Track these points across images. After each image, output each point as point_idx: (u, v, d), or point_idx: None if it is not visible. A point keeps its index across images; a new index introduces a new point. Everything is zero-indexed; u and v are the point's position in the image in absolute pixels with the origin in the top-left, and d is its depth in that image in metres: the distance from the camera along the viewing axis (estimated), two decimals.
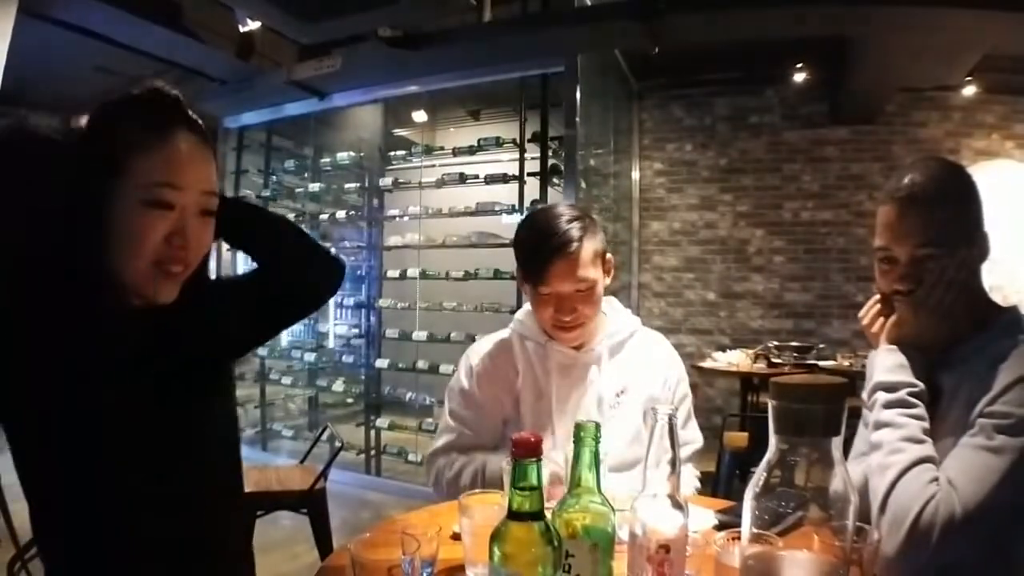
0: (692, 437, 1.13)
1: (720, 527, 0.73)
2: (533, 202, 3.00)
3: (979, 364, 0.74)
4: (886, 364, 0.79)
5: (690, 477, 1.10)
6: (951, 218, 0.77)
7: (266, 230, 0.77)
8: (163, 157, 0.57)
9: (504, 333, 1.15)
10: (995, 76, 3.40)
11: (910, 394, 0.75)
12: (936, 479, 0.68)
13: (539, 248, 1.01)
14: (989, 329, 0.77)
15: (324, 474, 1.96)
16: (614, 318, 1.14)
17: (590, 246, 1.02)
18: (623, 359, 1.12)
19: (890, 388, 0.77)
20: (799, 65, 3.50)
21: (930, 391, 0.77)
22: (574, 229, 1.01)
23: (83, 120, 0.58)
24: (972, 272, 0.79)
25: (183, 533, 0.63)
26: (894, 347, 0.80)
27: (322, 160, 3.82)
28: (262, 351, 3.54)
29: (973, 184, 0.80)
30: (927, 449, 0.72)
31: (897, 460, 0.71)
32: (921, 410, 0.75)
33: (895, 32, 2.68)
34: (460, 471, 1.04)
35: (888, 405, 0.76)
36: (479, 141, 3.27)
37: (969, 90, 3.48)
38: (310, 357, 3.74)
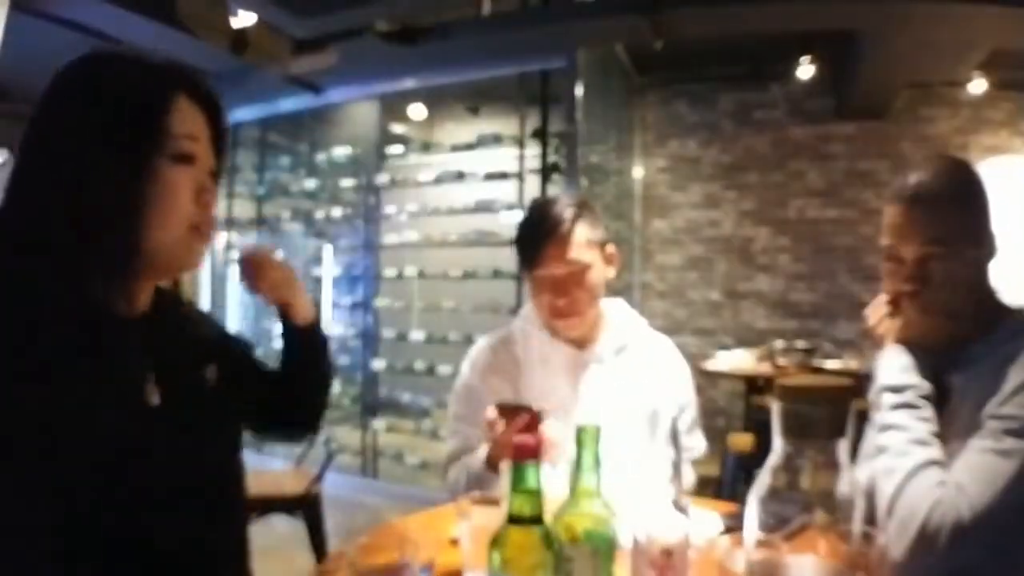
0: (696, 444, 1.13)
1: (728, 532, 0.72)
2: (533, 200, 2.98)
3: (988, 365, 0.73)
4: (892, 366, 0.79)
5: (688, 476, 1.09)
6: (958, 218, 0.76)
7: (317, 368, 0.81)
8: (179, 110, 0.58)
9: (508, 329, 1.16)
10: (1004, 72, 3.38)
11: (917, 396, 0.75)
12: (943, 482, 0.68)
13: (533, 231, 1.05)
14: (998, 330, 0.76)
15: (320, 477, 1.95)
16: (620, 319, 1.14)
17: (583, 230, 1.04)
18: (627, 361, 1.11)
19: (896, 390, 0.76)
20: (805, 60, 3.48)
21: (938, 392, 0.76)
22: (567, 213, 1.04)
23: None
24: (980, 272, 0.78)
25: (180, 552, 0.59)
26: (901, 348, 0.80)
27: (318, 157, 3.80)
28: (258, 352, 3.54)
29: (981, 183, 0.79)
30: (934, 452, 0.71)
31: (904, 463, 0.70)
32: (928, 412, 0.74)
33: (902, 27, 2.66)
34: (459, 481, 1.04)
35: (895, 407, 0.75)
36: (478, 137, 3.25)
37: (978, 86, 3.46)
38: None
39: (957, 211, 0.76)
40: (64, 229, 0.53)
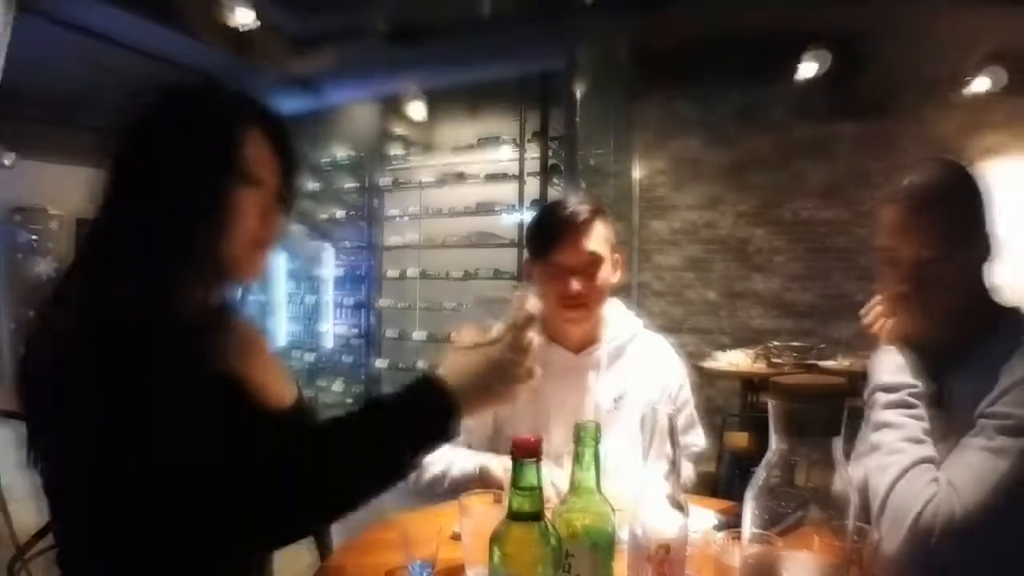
0: (696, 440, 1.14)
1: (721, 527, 0.73)
2: (533, 201, 3.00)
3: (982, 365, 0.73)
4: (886, 365, 0.79)
5: (687, 470, 1.10)
6: (953, 220, 0.76)
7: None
8: (253, 141, 0.65)
9: None
10: (1005, 73, 3.39)
11: (910, 395, 0.75)
12: (936, 479, 0.68)
13: (552, 220, 1.06)
14: (993, 330, 0.76)
15: None
16: (616, 322, 1.14)
17: (600, 226, 1.06)
18: (623, 365, 1.12)
19: (890, 389, 0.77)
20: (805, 60, 3.48)
21: (932, 392, 0.77)
22: (586, 206, 1.06)
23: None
24: (976, 274, 0.78)
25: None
26: (894, 348, 0.80)
27: (319, 158, 3.81)
28: None
29: (978, 184, 0.79)
30: (927, 450, 0.72)
31: (897, 460, 0.71)
32: (921, 411, 0.75)
33: (904, 28, 2.67)
34: (425, 467, 1.01)
35: (888, 406, 0.76)
36: (478, 139, 3.26)
37: (978, 86, 3.47)
38: (309, 357, 3.74)
39: (953, 213, 0.76)
40: (155, 241, 0.60)
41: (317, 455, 0.57)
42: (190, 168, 0.61)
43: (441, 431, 0.61)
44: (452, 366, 0.64)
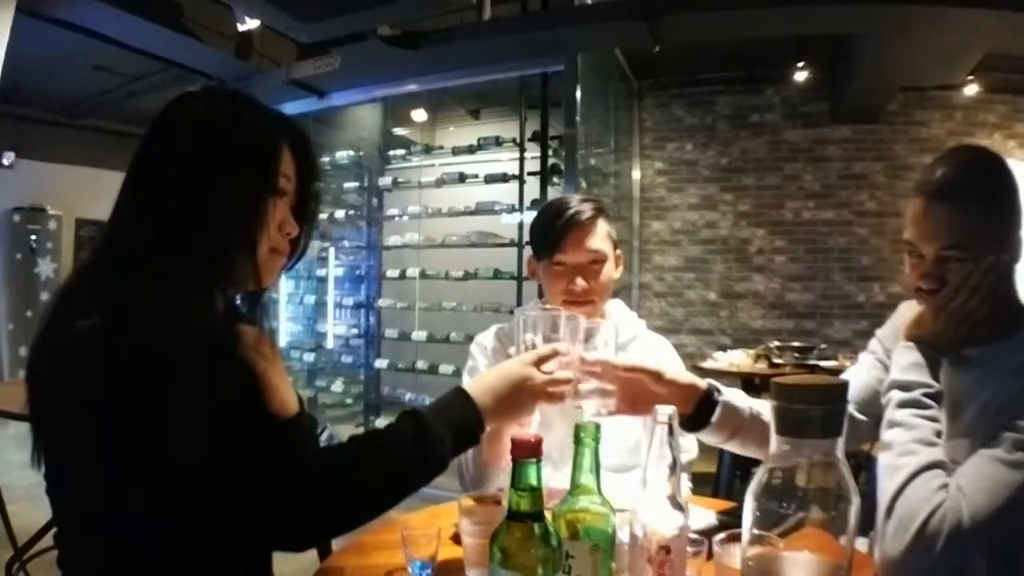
0: (688, 446, 1.13)
1: (721, 528, 0.73)
2: (533, 201, 3.00)
3: (1003, 369, 0.72)
4: (902, 363, 0.76)
5: (684, 487, 1.10)
6: (982, 219, 0.72)
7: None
8: (284, 155, 0.67)
9: (511, 325, 1.16)
10: (997, 75, 3.41)
11: (925, 395, 0.73)
12: (946, 486, 0.67)
13: (554, 221, 1.07)
14: (1016, 333, 0.74)
15: None
16: (619, 320, 1.15)
17: (603, 224, 1.08)
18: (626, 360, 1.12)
19: (905, 387, 0.74)
20: (800, 64, 3.51)
21: (948, 390, 0.75)
22: (589, 205, 1.08)
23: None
24: (1001, 277, 0.74)
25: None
26: (912, 345, 0.77)
27: (321, 159, 3.81)
28: None
29: (1012, 180, 0.74)
30: (938, 453, 0.70)
31: (908, 462, 0.69)
32: (935, 411, 0.72)
33: (897, 31, 2.68)
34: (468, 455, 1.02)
35: (902, 405, 0.73)
36: (479, 140, 3.27)
37: (971, 89, 3.48)
38: (309, 357, 3.74)
39: (982, 211, 0.72)
40: (184, 249, 0.60)
41: (365, 456, 0.63)
42: (230, 180, 0.62)
43: (470, 434, 0.70)
44: (480, 383, 0.73)
